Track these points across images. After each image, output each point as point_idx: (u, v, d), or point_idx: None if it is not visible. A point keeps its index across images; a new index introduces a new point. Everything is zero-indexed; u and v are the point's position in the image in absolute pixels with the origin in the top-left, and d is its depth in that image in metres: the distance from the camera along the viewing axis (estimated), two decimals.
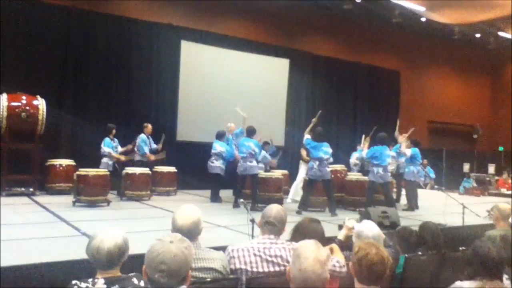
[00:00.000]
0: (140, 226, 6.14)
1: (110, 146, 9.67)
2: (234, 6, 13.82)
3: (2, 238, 4.59)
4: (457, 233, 6.69)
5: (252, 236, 4.12)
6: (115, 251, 2.38)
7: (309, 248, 2.16)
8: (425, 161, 13.98)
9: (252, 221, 4.12)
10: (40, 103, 9.54)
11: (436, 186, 10.21)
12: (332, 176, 8.87)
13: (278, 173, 9.71)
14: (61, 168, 9.90)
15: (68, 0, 11.22)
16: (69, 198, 8.43)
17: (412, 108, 18.36)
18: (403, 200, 9.97)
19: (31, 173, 9.49)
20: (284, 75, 14.89)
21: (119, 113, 11.86)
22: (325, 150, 8.34)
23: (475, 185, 15.10)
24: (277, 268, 2.90)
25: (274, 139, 11.38)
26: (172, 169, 10.77)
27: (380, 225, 4.82)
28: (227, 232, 6.05)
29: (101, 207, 8.11)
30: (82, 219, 6.57)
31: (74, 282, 2.32)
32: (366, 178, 9.06)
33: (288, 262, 2.77)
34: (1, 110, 9.08)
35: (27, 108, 9.38)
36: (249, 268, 2.89)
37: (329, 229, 4.91)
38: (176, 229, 2.70)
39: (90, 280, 2.33)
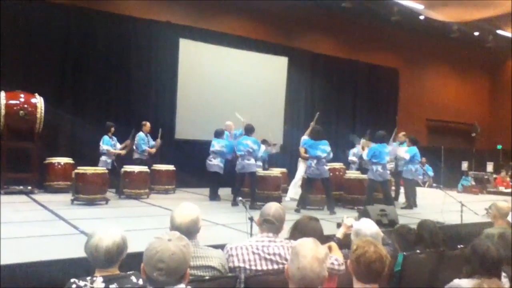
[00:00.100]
0: (139, 224, 6.13)
1: (109, 144, 9.66)
2: (233, 4, 13.80)
3: (1, 236, 4.58)
4: (456, 231, 6.70)
5: (251, 234, 4.12)
6: (114, 250, 2.37)
7: (308, 246, 2.16)
8: (424, 159, 14.00)
9: (251, 219, 4.12)
10: (38, 101, 9.54)
11: (434, 184, 10.24)
12: (331, 174, 8.87)
13: (276, 172, 9.73)
14: (59, 166, 9.89)
15: None
16: (68, 196, 8.43)
17: (411, 106, 18.37)
18: (402, 198, 9.98)
19: (29, 172, 9.48)
20: (283, 73, 14.89)
21: (117, 111, 11.84)
22: (323, 149, 8.34)
23: (473, 183, 15.13)
24: (275, 266, 2.90)
25: (272, 139, 11.20)
26: (171, 167, 10.78)
27: (379, 223, 4.83)
28: (225, 230, 6.05)
29: (100, 205, 8.10)
30: (80, 217, 6.57)
31: (72, 280, 2.32)
32: (364, 176, 9.08)
33: (286, 260, 2.77)
34: None
35: (25, 106, 9.38)
36: (247, 266, 2.89)
37: (328, 228, 4.91)
38: (174, 227, 2.70)
39: (88, 278, 2.33)
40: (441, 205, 7.45)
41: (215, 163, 9.60)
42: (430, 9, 15.09)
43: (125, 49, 12.16)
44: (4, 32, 9.98)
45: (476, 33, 17.69)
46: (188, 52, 13.05)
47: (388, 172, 8.78)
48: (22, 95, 9.47)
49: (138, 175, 9.38)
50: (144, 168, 9.60)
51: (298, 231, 3.31)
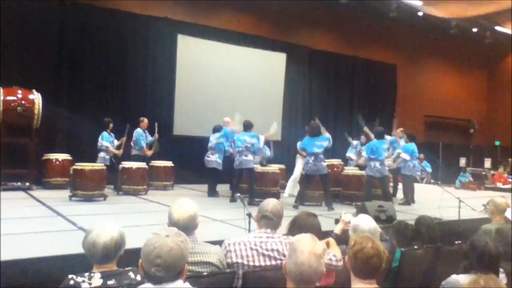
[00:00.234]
0: (137, 220, 6.14)
1: (108, 141, 9.63)
2: (231, 0, 13.78)
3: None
4: (453, 227, 6.72)
5: (249, 230, 4.12)
6: (111, 245, 2.38)
7: (305, 242, 2.17)
8: (422, 156, 14.03)
9: (249, 215, 4.12)
10: (36, 97, 9.51)
11: (432, 181, 10.26)
12: (329, 170, 8.87)
13: (275, 168, 9.72)
14: (57, 162, 9.88)
15: None
16: (66, 193, 8.41)
17: (409, 102, 18.38)
18: (400, 194, 10.00)
19: (27, 168, 9.47)
20: (281, 69, 14.87)
21: (115, 107, 11.82)
22: (319, 144, 8.32)
23: (471, 179, 15.17)
24: (273, 262, 2.91)
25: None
26: (169, 163, 10.77)
27: (377, 219, 4.83)
28: (224, 226, 6.05)
29: (98, 202, 8.10)
30: (78, 213, 6.56)
31: (70, 276, 2.32)
32: (362, 172, 9.09)
33: (284, 256, 2.77)
34: None
35: (23, 102, 9.35)
36: (245, 262, 2.89)
37: (326, 224, 4.92)
38: (172, 223, 2.70)
39: (86, 274, 2.33)
40: (439, 201, 7.47)
41: (213, 159, 9.60)
42: (428, 5, 15.08)
43: (123, 45, 12.13)
44: (0, 28, 9.93)
45: (475, 30, 17.70)
46: (187, 48, 13.03)
47: (386, 168, 8.80)
48: (19, 91, 9.44)
49: (136, 171, 9.38)
50: (142, 164, 9.60)
51: (296, 227, 3.32)
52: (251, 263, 2.89)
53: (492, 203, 4.88)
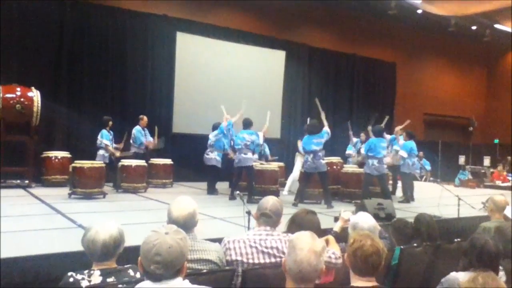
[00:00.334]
0: (136, 218, 6.14)
1: (107, 138, 9.62)
2: None
3: None
4: (452, 225, 6.73)
5: (248, 228, 4.12)
6: (110, 243, 2.38)
7: (305, 240, 2.17)
8: (421, 154, 14.03)
9: (248, 213, 4.13)
10: (35, 94, 9.49)
11: (431, 178, 10.26)
12: (328, 168, 8.88)
13: (274, 166, 9.73)
14: (56, 160, 9.87)
15: None
16: (65, 190, 8.42)
17: (408, 100, 18.39)
18: (399, 192, 10.00)
19: (26, 165, 9.46)
20: (280, 67, 14.86)
21: (114, 105, 11.82)
22: (316, 142, 8.31)
23: (470, 177, 15.17)
24: (273, 260, 2.91)
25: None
26: (168, 161, 10.77)
27: (376, 217, 4.84)
28: (223, 224, 6.06)
29: (97, 199, 8.10)
30: (78, 211, 6.56)
31: (70, 273, 2.33)
32: (362, 170, 9.10)
33: (284, 253, 2.77)
34: None
35: (22, 100, 9.33)
36: (245, 260, 2.89)
37: (325, 221, 4.92)
38: (171, 220, 2.70)
39: (86, 271, 2.33)
40: (438, 199, 7.48)
41: (212, 157, 9.60)
42: (428, 3, 15.07)
43: (122, 43, 12.11)
44: (0, 26, 9.91)
45: (474, 27, 17.69)
46: (186, 46, 13.01)
47: (385, 166, 8.80)
48: (18, 89, 9.42)
49: (135, 169, 9.37)
50: (142, 162, 9.59)
51: (295, 225, 3.32)
52: (250, 261, 2.89)
53: (491, 201, 4.88)
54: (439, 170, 17.50)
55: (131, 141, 10.11)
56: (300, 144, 9.34)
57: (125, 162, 9.43)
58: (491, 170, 16.56)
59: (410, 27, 17.78)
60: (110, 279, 2.32)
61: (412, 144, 9.76)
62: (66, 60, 11.23)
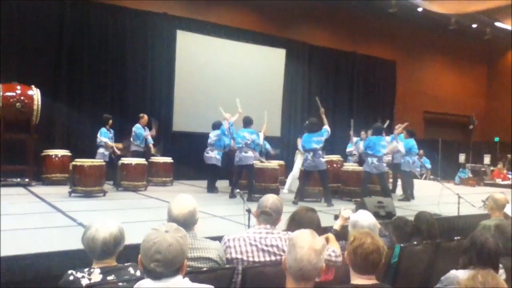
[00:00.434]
0: (136, 216, 6.14)
1: (106, 136, 9.63)
2: None
3: None
4: (453, 223, 6.73)
5: (248, 226, 4.13)
6: (110, 241, 2.38)
7: (305, 238, 2.17)
8: (421, 152, 14.03)
9: (248, 211, 4.13)
10: (35, 93, 9.49)
11: (431, 177, 10.25)
12: (328, 166, 8.88)
13: (274, 164, 9.73)
14: (56, 158, 9.87)
15: None
16: (65, 189, 8.42)
17: (408, 98, 18.38)
18: (399, 190, 10.00)
19: (26, 164, 9.45)
20: (280, 65, 14.86)
21: (114, 103, 11.82)
22: (316, 140, 8.31)
23: (470, 175, 15.17)
24: (273, 258, 2.91)
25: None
26: (169, 159, 10.77)
27: (376, 215, 4.85)
28: (223, 222, 6.06)
29: (97, 198, 8.10)
30: (78, 209, 6.56)
31: (70, 272, 2.33)
32: (361, 168, 9.08)
33: (284, 251, 2.77)
34: None
35: (22, 98, 9.32)
36: (245, 258, 2.89)
37: (325, 219, 4.92)
38: (171, 219, 2.70)
39: (86, 270, 2.34)
40: (438, 197, 7.47)
41: (212, 155, 9.60)
42: (428, 1, 15.06)
43: (122, 41, 12.10)
44: (0, 24, 9.90)
45: (474, 26, 17.68)
46: (186, 44, 13.00)
47: (384, 164, 8.78)
48: (18, 87, 9.41)
49: (135, 168, 9.38)
50: (142, 160, 9.60)
51: (295, 223, 3.32)
52: (250, 259, 2.89)
53: (492, 199, 4.88)
54: (439, 168, 17.50)
55: (131, 139, 10.11)
56: (299, 142, 9.34)
57: (125, 160, 9.44)
58: (491, 168, 16.55)
59: (411, 25, 17.76)
60: (110, 277, 2.32)
61: (412, 142, 9.75)
62: (66, 58, 11.22)
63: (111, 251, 2.40)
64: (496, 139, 20.05)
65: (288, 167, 10.98)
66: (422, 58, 19.27)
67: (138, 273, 2.36)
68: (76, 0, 11.37)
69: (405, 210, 7.23)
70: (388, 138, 9.43)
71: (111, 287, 2.27)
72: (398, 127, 9.95)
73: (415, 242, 3.81)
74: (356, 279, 2.41)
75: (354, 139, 10.89)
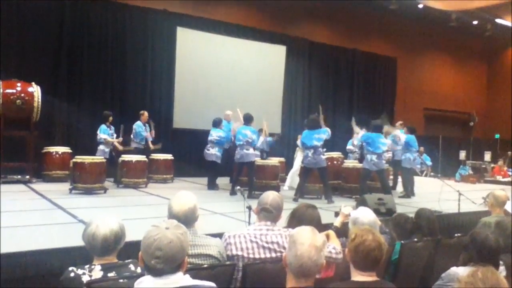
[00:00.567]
0: (137, 213, 6.16)
1: (106, 133, 9.63)
2: None
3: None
4: (453, 220, 6.74)
5: (249, 223, 4.13)
6: (111, 238, 2.38)
7: (305, 234, 2.17)
8: (422, 149, 14.03)
9: (249, 208, 4.13)
10: (35, 90, 9.49)
11: (432, 174, 10.24)
12: (329, 163, 8.88)
13: (274, 161, 9.73)
14: (57, 155, 9.88)
15: None
16: (66, 186, 8.43)
17: (409, 95, 18.37)
18: (400, 187, 10.01)
19: (27, 161, 9.46)
20: (280, 62, 14.84)
21: (114, 100, 11.81)
22: (317, 137, 8.30)
23: (471, 172, 15.18)
24: (273, 255, 2.91)
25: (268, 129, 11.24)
26: (169, 156, 10.77)
27: (377, 212, 4.84)
28: (224, 219, 6.06)
29: (98, 195, 8.11)
30: (78, 206, 6.57)
31: (71, 268, 2.33)
32: (362, 165, 9.08)
33: (284, 248, 2.78)
34: None
35: (22, 95, 9.33)
36: (245, 255, 2.89)
37: (326, 216, 4.92)
38: (172, 215, 2.70)
39: (87, 266, 2.34)
40: (439, 194, 7.48)
41: (213, 152, 9.59)
42: None
43: (122, 38, 12.08)
44: (0, 21, 9.88)
45: (475, 22, 17.65)
46: (186, 40, 12.99)
47: (384, 161, 8.77)
48: (18, 84, 9.41)
49: (136, 165, 9.39)
50: (142, 157, 9.60)
51: (295, 219, 3.32)
52: (251, 256, 2.89)
53: (492, 196, 4.89)
54: (439, 165, 17.51)
55: (131, 136, 10.12)
56: (299, 139, 9.33)
57: (126, 157, 9.44)
58: (492, 165, 16.56)
59: (411, 22, 17.73)
60: (111, 274, 2.32)
61: (412, 138, 9.74)
62: (66, 55, 11.19)
63: (111, 247, 2.40)
64: (497, 136, 20.03)
65: (289, 164, 10.99)
66: (422, 55, 19.24)
67: (138, 270, 2.36)
68: None
69: (406, 207, 7.24)
70: (389, 141, 9.42)
71: (111, 284, 2.27)
72: (399, 124, 9.96)
73: (415, 239, 3.81)
74: (356, 276, 2.41)
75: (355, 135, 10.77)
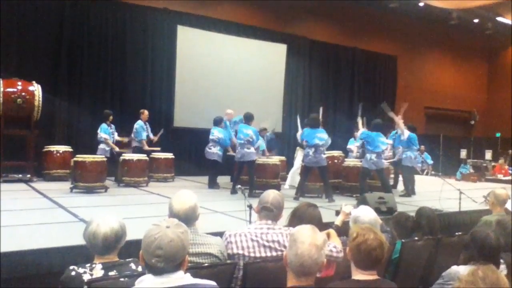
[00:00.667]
0: (138, 212, 6.15)
1: (106, 132, 9.62)
2: None
3: (0, 224, 4.59)
4: (454, 219, 6.74)
5: (250, 221, 4.13)
6: (112, 236, 2.38)
7: (306, 233, 2.17)
8: (423, 147, 14.01)
9: (250, 207, 4.13)
10: (36, 89, 9.48)
11: (433, 172, 10.22)
12: (329, 162, 8.88)
13: (275, 159, 9.72)
14: (58, 154, 9.87)
15: None
16: (67, 185, 8.44)
17: (409, 94, 18.30)
18: (400, 186, 10.00)
19: (27, 160, 9.46)
20: (281, 60, 14.83)
21: (115, 99, 11.81)
22: (320, 137, 8.31)
23: (471, 171, 15.16)
24: (274, 253, 2.91)
25: (270, 127, 11.34)
26: (170, 155, 10.77)
27: (377, 210, 4.84)
28: (224, 218, 6.06)
29: (99, 193, 8.11)
30: (79, 205, 6.57)
31: (71, 267, 2.33)
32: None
33: (285, 247, 2.77)
34: None
35: (23, 94, 9.33)
36: (246, 253, 2.89)
37: (326, 215, 4.92)
38: (172, 214, 2.70)
39: (88, 265, 2.34)
40: (440, 193, 7.46)
41: (213, 151, 9.58)
42: None
43: (122, 37, 12.07)
44: (0, 20, 9.87)
45: (476, 20, 17.62)
46: (186, 39, 12.98)
47: (384, 160, 8.75)
48: (19, 83, 9.41)
49: (137, 163, 9.38)
50: (143, 156, 9.60)
51: (296, 218, 3.32)
52: (251, 254, 2.90)
53: (493, 194, 4.88)
54: (440, 163, 17.50)
55: (132, 135, 10.12)
56: (299, 136, 9.31)
57: (127, 156, 9.44)
58: (493, 163, 16.55)
59: (412, 20, 17.70)
60: (111, 273, 2.32)
61: (413, 136, 9.71)
62: (66, 54, 11.19)
63: (112, 246, 2.40)
64: (498, 134, 20.02)
65: (289, 163, 10.98)
66: (423, 53, 19.22)
67: (139, 268, 2.36)
68: None
69: (406, 206, 7.23)
70: (390, 141, 9.42)
71: (112, 283, 2.27)
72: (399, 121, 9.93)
73: (416, 238, 3.81)
74: (357, 275, 2.41)
75: (356, 134, 10.70)
